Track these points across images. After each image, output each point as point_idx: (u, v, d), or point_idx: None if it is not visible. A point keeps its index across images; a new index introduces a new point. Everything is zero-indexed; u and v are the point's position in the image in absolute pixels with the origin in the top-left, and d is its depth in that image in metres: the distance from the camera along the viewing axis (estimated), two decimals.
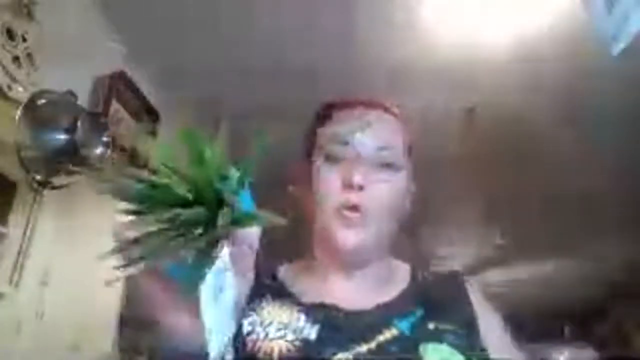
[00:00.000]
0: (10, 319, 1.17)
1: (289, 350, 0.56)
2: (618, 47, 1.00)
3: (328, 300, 0.62)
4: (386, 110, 0.72)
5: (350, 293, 0.64)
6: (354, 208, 0.62)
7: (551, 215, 3.20)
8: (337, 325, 0.59)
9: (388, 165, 0.66)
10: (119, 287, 1.61)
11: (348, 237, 0.62)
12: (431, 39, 1.77)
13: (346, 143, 0.66)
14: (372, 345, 0.57)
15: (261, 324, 0.59)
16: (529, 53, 1.81)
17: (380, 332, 0.58)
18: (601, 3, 1.03)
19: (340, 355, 0.55)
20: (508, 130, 2.26)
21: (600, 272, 4.66)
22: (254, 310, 0.61)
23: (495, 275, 4.50)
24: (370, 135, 0.66)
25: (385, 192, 0.64)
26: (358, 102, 0.72)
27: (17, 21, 1.20)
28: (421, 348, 0.57)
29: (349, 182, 0.63)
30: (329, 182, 0.65)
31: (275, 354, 0.56)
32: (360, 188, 0.62)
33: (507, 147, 2.39)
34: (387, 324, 0.59)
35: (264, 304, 0.62)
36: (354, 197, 0.62)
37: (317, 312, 0.60)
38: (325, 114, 0.72)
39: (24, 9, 1.22)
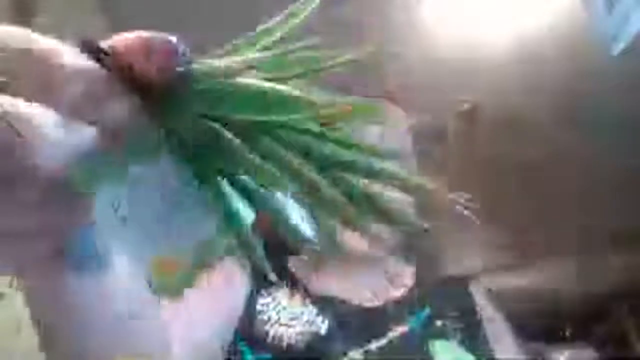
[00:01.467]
0: (10, 319, 1.16)
1: (297, 341, 0.56)
2: (618, 47, 1.00)
3: (337, 294, 0.62)
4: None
5: (359, 290, 0.64)
6: None
7: (551, 215, 3.20)
8: (346, 321, 0.59)
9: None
10: None
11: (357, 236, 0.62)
12: (431, 39, 1.77)
13: None
14: (382, 342, 0.57)
15: (274, 307, 0.59)
16: (529, 53, 1.81)
17: (390, 329, 0.58)
18: (601, 3, 1.03)
19: (351, 354, 0.55)
20: (508, 130, 2.26)
21: (600, 272, 4.66)
22: (268, 292, 0.61)
23: (495, 276, 4.49)
24: (375, 135, 0.65)
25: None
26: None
27: (18, 21, 1.20)
28: (430, 345, 0.57)
29: None
30: None
31: (284, 341, 0.56)
32: None
33: (506, 147, 2.38)
34: (397, 321, 0.60)
35: (278, 288, 0.62)
36: None
37: (328, 306, 0.60)
38: None
39: (24, 9, 1.22)
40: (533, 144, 2.39)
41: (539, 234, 3.53)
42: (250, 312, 0.57)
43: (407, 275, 0.69)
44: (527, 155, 2.50)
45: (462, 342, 0.58)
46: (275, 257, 0.70)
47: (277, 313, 0.58)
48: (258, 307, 0.58)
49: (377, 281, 0.66)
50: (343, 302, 0.61)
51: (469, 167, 2.32)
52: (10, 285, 1.17)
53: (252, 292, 0.59)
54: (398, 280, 0.68)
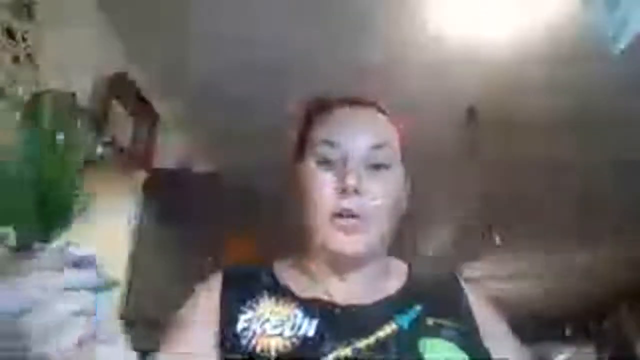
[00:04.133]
0: None
1: (285, 347, 0.56)
2: (618, 47, 1.01)
3: (325, 296, 0.62)
4: (377, 109, 0.70)
5: (347, 291, 0.64)
6: (351, 214, 0.61)
7: (552, 216, 3.20)
8: (334, 321, 0.58)
9: (382, 166, 0.64)
10: (119, 287, 1.61)
11: (346, 243, 0.61)
12: (431, 39, 1.77)
13: (336, 145, 0.64)
14: (371, 340, 0.57)
15: (258, 320, 0.59)
16: (529, 54, 1.81)
17: (379, 327, 0.58)
18: (601, 3, 1.03)
19: (339, 351, 0.55)
20: (508, 131, 2.26)
21: (600, 273, 4.66)
22: (250, 307, 0.61)
23: (496, 275, 4.50)
24: (362, 135, 0.64)
25: (381, 193, 0.63)
26: (346, 101, 0.70)
27: (17, 21, 1.20)
28: (420, 344, 0.56)
29: (343, 186, 0.60)
30: (323, 186, 0.62)
31: (273, 351, 0.56)
32: (355, 191, 0.60)
33: (506, 147, 2.39)
34: (386, 319, 0.59)
35: (260, 300, 0.62)
36: (349, 203, 0.60)
37: (315, 307, 0.60)
38: (312, 114, 0.70)
39: (24, 9, 1.22)
40: (533, 143, 2.39)
41: (539, 233, 3.54)
42: (232, 333, 0.57)
43: (400, 273, 0.69)
44: (527, 155, 2.50)
45: (455, 341, 0.58)
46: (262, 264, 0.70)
47: (261, 325, 0.57)
48: (241, 325, 0.58)
49: (368, 279, 0.65)
50: (331, 302, 0.60)
51: (470, 168, 2.32)
52: None
53: (229, 320, 0.59)
54: (391, 278, 0.67)
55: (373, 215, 0.62)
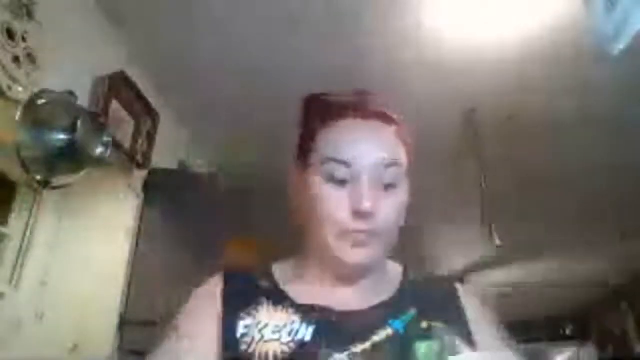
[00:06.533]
0: (10, 319, 1.17)
1: (283, 352, 0.56)
2: (618, 47, 1.01)
3: (322, 302, 0.62)
4: (385, 119, 0.67)
5: (346, 297, 0.64)
6: (362, 232, 0.60)
7: (552, 216, 3.20)
8: (331, 327, 0.59)
9: (391, 185, 0.63)
10: (119, 287, 1.61)
11: (352, 255, 0.61)
12: (431, 40, 1.77)
13: (347, 164, 0.61)
14: (367, 345, 0.57)
15: (256, 326, 0.59)
16: (530, 54, 1.81)
17: (374, 332, 0.58)
18: (601, 3, 1.03)
19: (335, 356, 0.55)
20: (508, 132, 2.26)
21: (601, 273, 4.66)
22: (249, 313, 0.61)
23: (496, 277, 4.50)
24: (372, 153, 0.62)
25: (390, 210, 0.62)
26: (350, 109, 0.66)
27: (17, 21, 1.20)
28: (415, 347, 0.57)
29: (357, 208, 0.59)
30: (335, 205, 0.61)
31: (270, 356, 0.56)
32: (370, 215, 0.59)
33: (507, 148, 2.38)
34: (382, 324, 0.59)
35: (259, 306, 0.62)
36: (363, 224, 0.60)
37: (312, 313, 0.60)
38: (314, 121, 0.67)
39: (24, 9, 1.22)
40: (534, 144, 2.40)
41: (539, 234, 3.54)
42: (233, 339, 0.58)
43: (395, 275, 0.69)
44: (528, 155, 2.50)
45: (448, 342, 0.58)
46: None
47: (260, 331, 0.58)
48: (241, 331, 0.58)
49: (368, 286, 0.65)
50: (328, 308, 0.60)
51: (471, 167, 2.32)
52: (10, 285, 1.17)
53: (229, 327, 0.59)
54: (387, 281, 0.67)
55: (382, 232, 0.61)
